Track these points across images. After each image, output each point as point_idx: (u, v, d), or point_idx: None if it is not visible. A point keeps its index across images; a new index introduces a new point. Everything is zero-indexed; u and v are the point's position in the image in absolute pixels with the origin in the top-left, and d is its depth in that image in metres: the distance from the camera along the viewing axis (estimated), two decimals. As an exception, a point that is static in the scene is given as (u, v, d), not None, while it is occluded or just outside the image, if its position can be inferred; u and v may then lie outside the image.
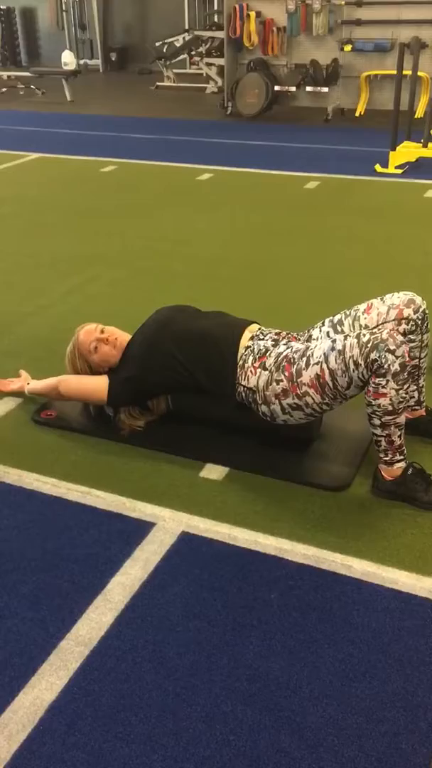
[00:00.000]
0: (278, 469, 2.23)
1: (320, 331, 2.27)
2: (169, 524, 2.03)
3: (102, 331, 2.41)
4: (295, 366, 2.08)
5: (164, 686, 1.56)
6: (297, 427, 2.22)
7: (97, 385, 2.37)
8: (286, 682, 1.56)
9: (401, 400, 1.99)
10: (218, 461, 2.28)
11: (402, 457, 2.09)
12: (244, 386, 2.19)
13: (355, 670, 1.59)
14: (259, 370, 2.16)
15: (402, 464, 2.09)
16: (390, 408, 1.98)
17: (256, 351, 2.20)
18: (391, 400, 1.97)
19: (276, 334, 2.29)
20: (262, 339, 2.25)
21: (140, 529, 2.01)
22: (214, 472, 2.24)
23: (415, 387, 2.32)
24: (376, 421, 2.03)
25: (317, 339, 2.24)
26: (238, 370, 2.20)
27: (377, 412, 2.00)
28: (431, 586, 1.80)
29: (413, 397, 2.33)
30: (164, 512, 2.08)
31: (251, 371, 2.18)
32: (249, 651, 1.64)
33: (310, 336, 2.29)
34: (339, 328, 2.23)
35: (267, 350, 2.19)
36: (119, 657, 1.63)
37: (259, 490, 2.17)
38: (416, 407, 2.36)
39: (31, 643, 1.67)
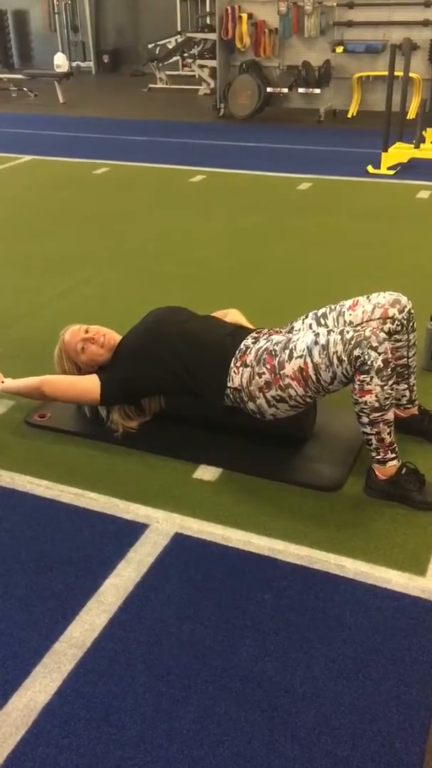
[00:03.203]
0: (271, 470, 2.24)
1: (303, 323, 2.28)
2: (162, 525, 2.03)
3: (87, 331, 2.40)
4: (277, 358, 2.09)
5: (158, 688, 1.56)
6: (290, 425, 2.23)
7: (88, 385, 2.35)
8: (279, 683, 1.57)
9: (387, 396, 1.99)
10: (211, 462, 2.28)
11: (394, 455, 2.09)
12: (230, 388, 2.20)
13: (348, 670, 1.59)
14: (241, 369, 2.17)
15: (395, 463, 2.10)
16: (376, 405, 1.99)
17: (236, 351, 2.21)
18: (376, 396, 1.98)
19: (257, 332, 2.30)
20: (243, 339, 2.25)
21: (133, 530, 2.01)
22: (207, 473, 2.25)
23: (406, 386, 2.33)
24: (365, 419, 2.03)
25: (299, 330, 2.25)
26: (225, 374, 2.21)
27: (365, 410, 2.01)
28: (424, 585, 1.81)
29: (405, 395, 2.34)
30: (157, 513, 2.08)
31: (234, 371, 2.18)
32: (243, 651, 1.64)
33: (292, 328, 2.30)
34: (323, 321, 2.24)
35: (247, 348, 2.20)
36: (112, 659, 1.63)
37: (252, 491, 2.17)
38: (408, 406, 2.36)
39: (25, 646, 1.66)
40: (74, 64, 12.71)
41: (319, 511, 2.08)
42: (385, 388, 1.98)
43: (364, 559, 1.90)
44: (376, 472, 2.11)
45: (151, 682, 1.57)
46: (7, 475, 2.26)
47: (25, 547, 1.97)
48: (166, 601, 1.78)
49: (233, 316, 2.54)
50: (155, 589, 1.81)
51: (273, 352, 2.11)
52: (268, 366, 2.10)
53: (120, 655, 1.64)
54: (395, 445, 2.09)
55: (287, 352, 2.08)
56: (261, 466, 2.25)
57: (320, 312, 2.28)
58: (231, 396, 2.22)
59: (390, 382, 1.99)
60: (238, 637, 1.68)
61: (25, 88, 10.38)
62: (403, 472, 2.09)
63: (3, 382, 2.50)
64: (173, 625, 1.71)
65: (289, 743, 1.44)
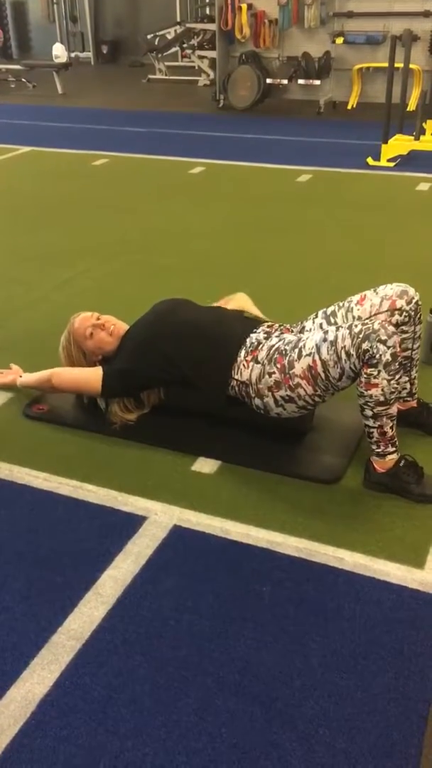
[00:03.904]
0: (270, 462, 2.23)
1: (313, 322, 2.27)
2: (161, 518, 2.03)
3: (98, 318, 2.41)
4: (287, 358, 2.08)
5: (156, 679, 1.56)
6: (289, 419, 2.22)
7: (91, 376, 2.36)
8: (277, 675, 1.57)
9: (393, 390, 1.99)
10: (210, 454, 2.28)
11: (394, 449, 2.09)
12: (237, 380, 2.19)
13: (346, 662, 1.59)
14: (251, 364, 2.16)
15: (394, 456, 2.09)
16: (382, 399, 1.99)
17: (248, 344, 2.20)
18: (383, 390, 1.97)
19: (268, 326, 2.29)
20: (255, 332, 2.24)
21: (132, 522, 2.01)
22: (206, 465, 2.24)
23: (407, 378, 2.32)
24: (368, 412, 2.03)
25: (310, 330, 2.24)
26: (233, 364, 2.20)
27: (369, 403, 2.01)
28: (422, 578, 1.81)
29: (405, 388, 2.34)
30: (156, 506, 2.07)
31: (244, 365, 2.18)
32: (241, 644, 1.64)
33: (303, 327, 2.29)
34: (332, 320, 2.23)
35: (259, 343, 2.19)
36: (111, 651, 1.63)
37: (251, 483, 2.17)
38: (408, 398, 2.36)
39: (23, 638, 1.66)
40: (73, 54, 12.64)
41: (318, 503, 2.08)
42: (392, 382, 1.98)
43: (363, 551, 1.89)
44: (375, 465, 2.11)
45: (150, 674, 1.57)
46: (5, 467, 2.25)
47: (24, 540, 1.96)
48: (165, 594, 1.78)
49: (239, 300, 2.52)
50: (153, 581, 1.81)
51: (284, 352, 2.10)
52: (279, 366, 2.10)
53: (118, 647, 1.64)
54: (396, 439, 2.09)
55: (297, 351, 2.07)
56: (260, 459, 2.25)
57: (329, 310, 2.27)
58: (236, 388, 2.21)
59: (397, 377, 1.99)
60: (237, 629, 1.68)
61: (23, 79, 10.34)
62: (402, 464, 2.08)
63: (21, 376, 2.56)
64: (171, 617, 1.71)
65: (287, 735, 1.44)
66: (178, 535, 1.97)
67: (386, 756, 1.40)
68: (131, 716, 1.49)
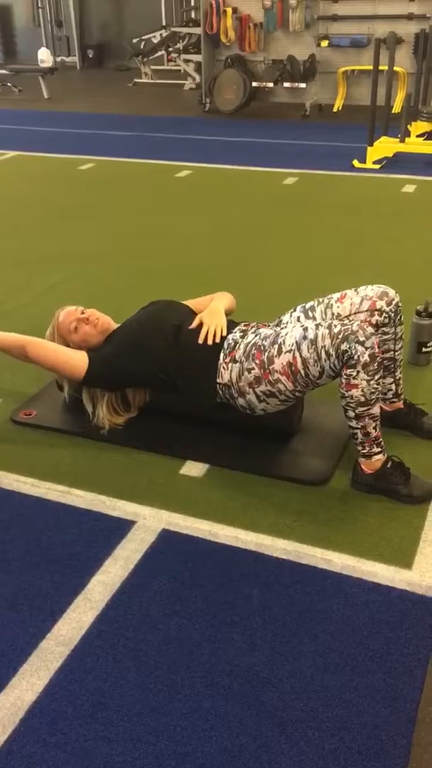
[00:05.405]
0: (258, 465, 2.24)
1: (290, 316, 2.28)
2: (149, 522, 2.03)
3: (82, 312, 2.40)
4: (266, 353, 2.09)
5: (145, 684, 1.56)
6: (279, 419, 2.23)
7: (76, 357, 2.31)
8: (267, 677, 1.57)
9: (373, 391, 2.00)
10: (198, 458, 2.28)
11: (380, 449, 2.10)
12: (220, 384, 2.20)
13: (335, 664, 1.60)
14: (230, 365, 2.17)
15: (381, 457, 2.10)
16: (362, 399, 2.00)
17: (225, 347, 2.21)
18: (362, 391, 1.99)
19: (245, 325, 2.30)
20: (231, 333, 2.25)
21: (121, 527, 2.01)
22: (194, 469, 2.24)
23: (392, 379, 2.33)
24: (351, 413, 2.04)
25: (287, 324, 2.25)
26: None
27: (350, 404, 2.02)
28: (410, 578, 1.82)
29: (391, 389, 2.35)
30: (144, 510, 2.07)
31: (223, 368, 2.18)
32: (230, 647, 1.64)
33: (280, 321, 2.30)
34: (310, 314, 2.24)
35: (236, 343, 2.20)
36: (100, 656, 1.63)
37: (239, 486, 2.17)
38: (394, 399, 2.37)
39: (12, 644, 1.66)
40: (59, 59, 12.65)
41: (306, 505, 2.08)
42: (371, 382, 1.99)
43: (351, 553, 1.90)
44: (362, 466, 2.12)
45: (139, 679, 1.57)
46: (-7, 473, 2.25)
47: (12, 546, 1.96)
48: (154, 598, 1.78)
49: (218, 299, 2.48)
50: (142, 585, 1.81)
51: (262, 347, 2.11)
52: (257, 361, 2.11)
53: (107, 651, 1.64)
54: (381, 440, 2.09)
55: (276, 347, 2.08)
56: (248, 461, 2.25)
57: (308, 305, 2.28)
58: (221, 392, 2.22)
59: (376, 377, 2.00)
60: (226, 632, 1.68)
61: (9, 84, 10.32)
62: (389, 465, 2.09)
63: None
64: (161, 621, 1.71)
65: (276, 737, 1.44)
66: (167, 539, 1.97)
67: (375, 757, 1.41)
68: (121, 721, 1.48)
